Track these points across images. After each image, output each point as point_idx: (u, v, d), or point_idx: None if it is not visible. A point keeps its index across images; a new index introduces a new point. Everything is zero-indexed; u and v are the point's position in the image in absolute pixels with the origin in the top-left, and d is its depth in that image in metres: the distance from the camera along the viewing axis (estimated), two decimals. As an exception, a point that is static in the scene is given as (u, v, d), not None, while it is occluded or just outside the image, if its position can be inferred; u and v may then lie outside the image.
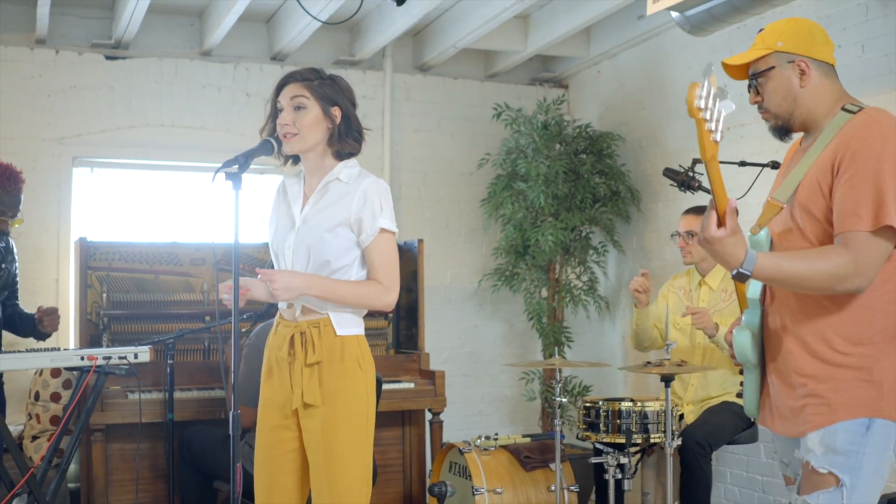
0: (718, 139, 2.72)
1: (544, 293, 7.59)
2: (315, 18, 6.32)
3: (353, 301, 3.67)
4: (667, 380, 5.18)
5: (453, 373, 6.42)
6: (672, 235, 5.84)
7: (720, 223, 2.86)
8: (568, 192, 7.15)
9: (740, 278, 2.90)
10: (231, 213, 3.45)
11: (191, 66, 7.18)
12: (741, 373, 3.33)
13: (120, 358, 4.69)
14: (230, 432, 3.34)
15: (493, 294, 7.70)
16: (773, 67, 3.14)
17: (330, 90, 3.70)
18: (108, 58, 6.97)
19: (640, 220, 7.34)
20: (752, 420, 5.64)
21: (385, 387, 5.74)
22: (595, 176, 7.22)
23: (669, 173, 5.27)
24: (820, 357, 3.01)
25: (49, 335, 5.22)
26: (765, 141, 5.98)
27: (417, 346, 6.51)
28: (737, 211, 2.86)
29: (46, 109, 6.81)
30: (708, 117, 2.69)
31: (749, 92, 3.20)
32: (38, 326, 5.15)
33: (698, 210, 5.76)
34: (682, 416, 5.51)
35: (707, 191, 5.14)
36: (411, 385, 6.19)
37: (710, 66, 2.72)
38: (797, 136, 3.27)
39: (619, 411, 5.29)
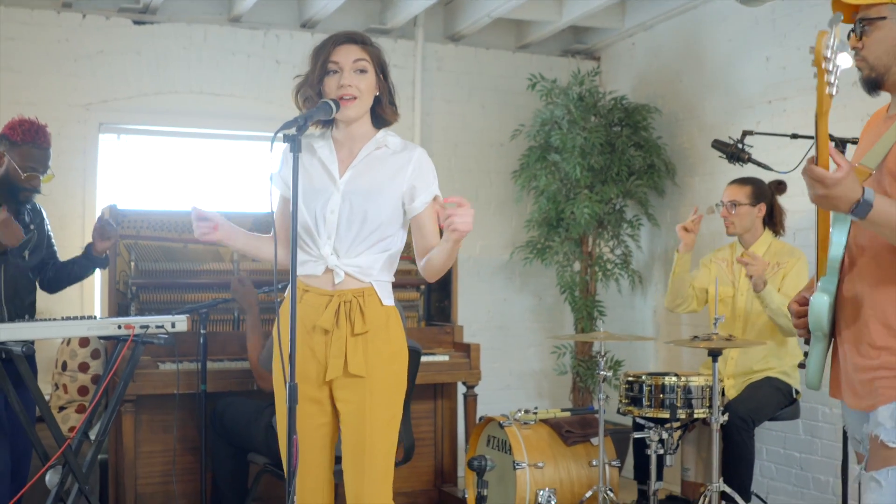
0: (834, 93, 2.62)
1: (577, 267, 7.49)
2: (351, -17, 6.21)
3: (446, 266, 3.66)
4: (714, 354, 5.10)
5: (481, 346, 6.34)
6: (717, 205, 5.75)
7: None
8: (604, 165, 7.04)
9: (862, 212, 2.76)
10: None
11: (220, 32, 7.04)
12: (807, 342, 3.20)
13: (157, 327, 4.59)
14: (287, 404, 3.25)
15: (522, 267, 7.61)
16: (884, 17, 3.00)
17: (381, 57, 3.68)
18: (136, 23, 6.83)
19: (675, 193, 7.23)
20: (794, 399, 5.61)
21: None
22: (631, 148, 7.10)
23: (719, 145, 5.17)
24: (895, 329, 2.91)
25: (106, 260, 5.16)
26: (808, 113, 5.81)
27: (450, 318, 6.43)
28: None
29: (72, 74, 6.68)
30: (830, 68, 2.60)
31: (849, 37, 3.07)
32: (90, 253, 5.07)
33: (743, 181, 5.68)
34: (723, 391, 5.43)
35: (757, 163, 5.07)
36: (446, 358, 6.11)
37: (838, 16, 2.63)
38: (884, 96, 3.16)
39: (663, 385, 5.22)
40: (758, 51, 6.41)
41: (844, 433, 4.87)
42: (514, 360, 7.83)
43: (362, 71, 3.58)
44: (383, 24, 7.33)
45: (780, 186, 5.73)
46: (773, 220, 5.74)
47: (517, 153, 7.56)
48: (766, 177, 5.58)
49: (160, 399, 5.50)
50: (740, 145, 5.12)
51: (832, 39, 2.60)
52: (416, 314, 6.48)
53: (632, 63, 7.73)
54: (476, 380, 6.17)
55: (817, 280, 3.10)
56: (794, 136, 4.99)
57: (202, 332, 5.34)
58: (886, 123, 3.07)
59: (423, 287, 6.49)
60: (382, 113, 3.69)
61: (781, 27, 6.21)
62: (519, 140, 7.56)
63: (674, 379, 5.21)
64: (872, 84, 3.07)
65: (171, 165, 7.06)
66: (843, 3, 3.09)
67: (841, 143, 4.67)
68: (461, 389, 6.30)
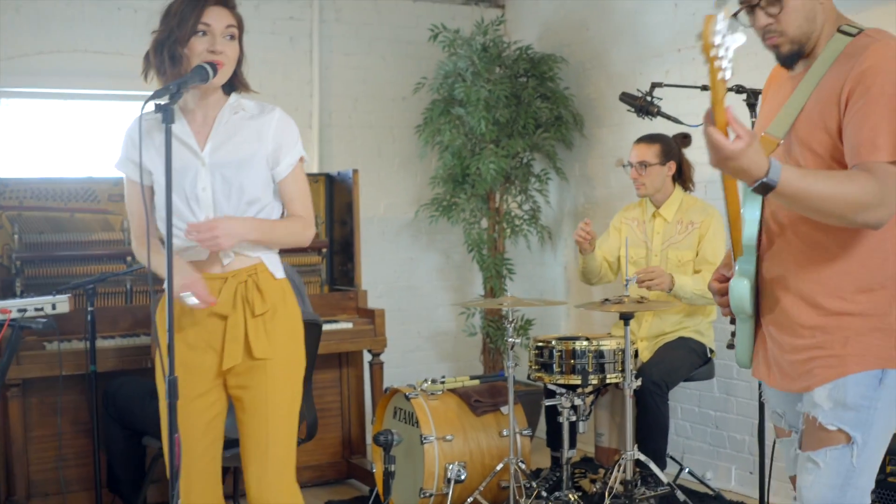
0: (728, 77, 2.40)
1: (484, 224, 7.28)
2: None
3: (286, 240, 3.51)
4: (626, 318, 4.93)
5: (388, 308, 6.14)
6: (624, 166, 5.58)
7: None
8: (509, 118, 6.81)
9: (763, 190, 2.55)
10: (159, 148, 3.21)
11: (103, -15, 6.66)
12: (733, 322, 3.04)
13: (36, 309, 4.30)
14: (167, 400, 3.00)
15: (429, 225, 7.37)
16: None
17: (243, 25, 3.51)
18: (12, -22, 6.44)
19: (583, 146, 7.03)
20: (709, 358, 5.48)
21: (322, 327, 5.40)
22: (537, 100, 6.87)
23: (627, 98, 4.97)
24: (826, 308, 2.75)
25: None
26: (718, 62, 5.68)
27: (354, 282, 6.21)
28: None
29: (-55, 35, 6.29)
30: (721, 54, 2.38)
31: (753, 13, 2.80)
32: None
33: (650, 139, 5.50)
34: (636, 353, 5.27)
35: (667, 117, 4.88)
36: (349, 325, 5.90)
37: None
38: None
39: (574, 351, 5.04)
40: (666, -3, 6.22)
41: (760, 392, 4.76)
42: (422, 322, 7.62)
43: (232, 37, 3.42)
44: (278, -25, 7.01)
45: (685, 140, 5.56)
46: (683, 177, 5.59)
47: (420, 107, 7.29)
48: (673, 130, 5.41)
49: (49, 381, 5.22)
50: (649, 98, 4.92)
51: (720, 23, 2.37)
52: (319, 279, 6.24)
53: (537, 11, 7.49)
54: (381, 347, 5.96)
55: (735, 260, 2.92)
56: (704, 88, 4.78)
57: (90, 308, 5.04)
58: (790, 84, 2.87)
59: (324, 250, 6.26)
60: (238, 83, 3.52)
61: (689, -29, 6.02)
62: (422, 93, 7.29)
63: (584, 343, 5.04)
64: (794, 58, 2.83)
65: (55, 130, 6.68)
66: None
67: (753, 95, 4.52)
68: (367, 357, 6.08)
